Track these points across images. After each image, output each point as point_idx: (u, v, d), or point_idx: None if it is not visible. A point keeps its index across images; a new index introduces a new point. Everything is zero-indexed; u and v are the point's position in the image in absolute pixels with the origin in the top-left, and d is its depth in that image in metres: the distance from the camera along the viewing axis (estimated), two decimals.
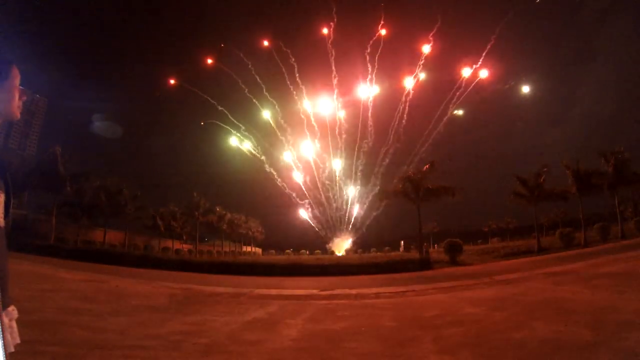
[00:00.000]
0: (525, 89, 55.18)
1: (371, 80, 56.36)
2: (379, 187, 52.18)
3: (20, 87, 1.49)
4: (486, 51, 51.28)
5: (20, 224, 29.95)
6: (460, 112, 53.27)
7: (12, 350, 1.31)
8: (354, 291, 12.35)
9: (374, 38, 55.55)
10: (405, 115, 56.17)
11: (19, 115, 1.49)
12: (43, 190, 33.05)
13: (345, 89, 57.66)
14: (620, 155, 28.83)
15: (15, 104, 1.46)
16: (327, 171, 58.39)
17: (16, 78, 1.45)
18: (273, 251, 58.50)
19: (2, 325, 1.25)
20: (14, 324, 1.38)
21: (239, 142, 57.88)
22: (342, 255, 47.76)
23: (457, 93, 54.69)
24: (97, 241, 35.78)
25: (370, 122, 57.21)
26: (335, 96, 57.06)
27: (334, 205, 57.51)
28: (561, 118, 76.00)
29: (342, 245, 54.34)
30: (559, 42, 74.95)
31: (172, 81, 59.27)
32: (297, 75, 55.99)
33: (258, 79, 56.14)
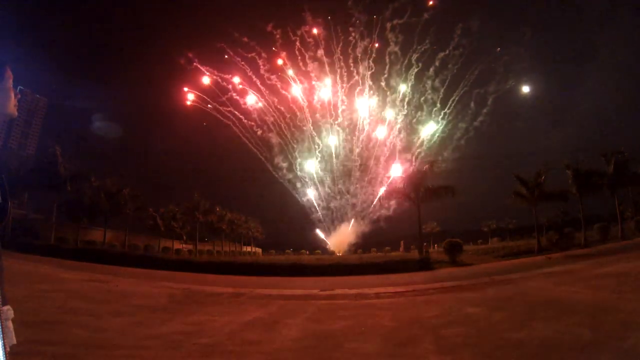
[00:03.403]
0: (526, 89, 55.08)
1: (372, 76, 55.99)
2: (381, 187, 52.24)
3: (20, 87, 1.54)
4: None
5: (20, 224, 29.93)
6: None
7: (8, 350, 1.30)
8: (354, 291, 12.35)
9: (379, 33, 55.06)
10: (405, 115, 56.01)
11: (16, 113, 1.54)
12: (43, 190, 33.03)
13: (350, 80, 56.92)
14: (620, 155, 28.83)
15: (12, 103, 1.51)
16: (329, 167, 58.12)
17: (10, 79, 1.50)
18: (273, 251, 58.38)
19: (0, 325, 1.25)
20: (10, 324, 1.37)
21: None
22: (342, 256, 47.74)
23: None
24: (97, 241, 35.74)
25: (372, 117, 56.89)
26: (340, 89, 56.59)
27: (336, 203, 57.42)
28: (561, 118, 75.93)
29: (342, 245, 54.33)
30: (559, 42, 74.82)
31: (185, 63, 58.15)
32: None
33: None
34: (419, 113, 54.82)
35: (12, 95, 1.51)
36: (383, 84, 54.89)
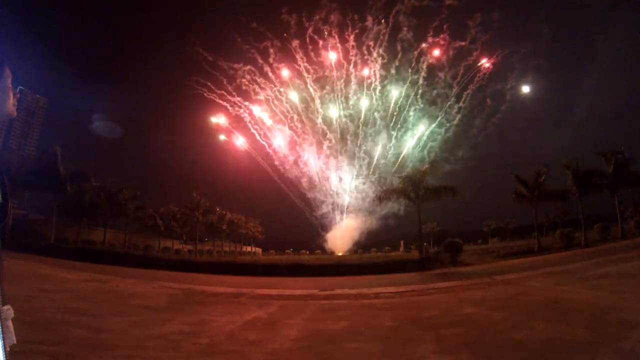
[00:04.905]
0: (526, 89, 55.03)
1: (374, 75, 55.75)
2: (379, 187, 52.22)
3: (20, 87, 1.52)
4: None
5: (20, 224, 29.93)
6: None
7: (8, 350, 1.30)
8: (354, 291, 12.34)
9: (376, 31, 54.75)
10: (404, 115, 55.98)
11: (15, 113, 1.53)
12: (43, 190, 33.02)
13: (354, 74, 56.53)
14: (620, 155, 28.84)
15: (11, 102, 1.50)
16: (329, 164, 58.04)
17: (9, 77, 1.49)
18: (273, 251, 58.44)
19: (1, 324, 1.25)
20: (10, 324, 1.37)
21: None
22: (342, 255, 47.74)
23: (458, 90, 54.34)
24: (97, 241, 35.76)
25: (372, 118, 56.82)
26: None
27: (338, 200, 57.41)
28: (561, 118, 75.94)
29: (342, 245, 54.36)
30: (559, 42, 74.79)
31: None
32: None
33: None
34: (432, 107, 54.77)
35: (11, 94, 1.49)
36: (393, 71, 54.70)
